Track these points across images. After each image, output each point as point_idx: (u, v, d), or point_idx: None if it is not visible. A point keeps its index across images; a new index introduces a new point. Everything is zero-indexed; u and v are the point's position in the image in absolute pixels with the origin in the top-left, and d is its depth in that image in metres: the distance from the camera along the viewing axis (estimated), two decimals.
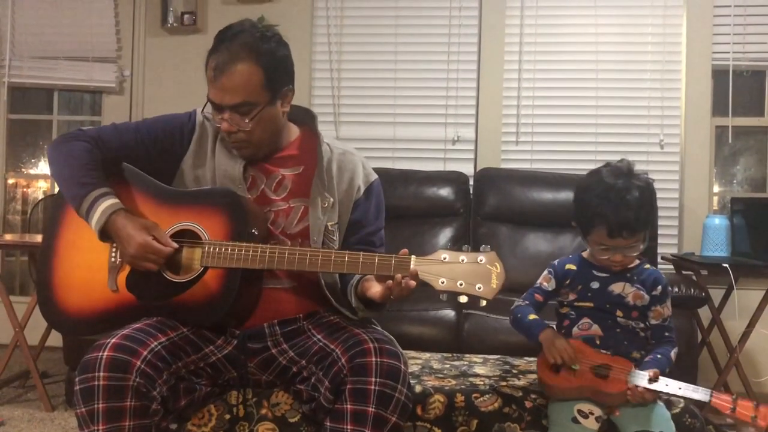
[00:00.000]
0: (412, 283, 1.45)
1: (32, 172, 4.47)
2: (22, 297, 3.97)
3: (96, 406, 1.40)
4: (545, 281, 1.81)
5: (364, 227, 1.77)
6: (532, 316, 1.75)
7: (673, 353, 1.71)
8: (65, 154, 1.67)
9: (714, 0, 3.61)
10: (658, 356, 1.70)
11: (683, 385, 1.61)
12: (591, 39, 3.69)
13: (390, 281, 1.47)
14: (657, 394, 1.64)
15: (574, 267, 1.79)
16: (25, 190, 4.52)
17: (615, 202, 1.65)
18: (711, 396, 1.59)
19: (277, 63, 1.67)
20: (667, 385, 1.61)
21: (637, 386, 1.61)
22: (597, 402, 1.66)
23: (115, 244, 1.63)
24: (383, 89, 3.83)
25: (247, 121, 1.64)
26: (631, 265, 1.77)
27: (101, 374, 1.40)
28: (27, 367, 3.04)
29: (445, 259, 1.44)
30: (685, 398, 1.62)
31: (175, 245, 1.59)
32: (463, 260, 1.43)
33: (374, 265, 1.49)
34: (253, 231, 1.60)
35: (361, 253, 1.51)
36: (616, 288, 1.75)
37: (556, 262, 1.83)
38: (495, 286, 1.42)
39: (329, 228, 1.71)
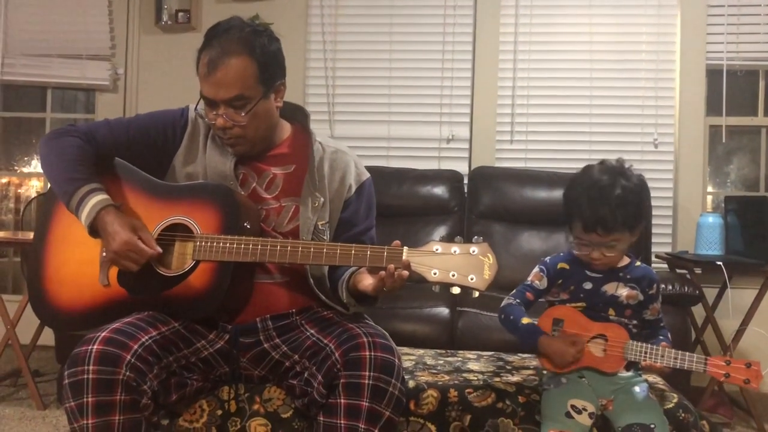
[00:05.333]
0: (405, 273, 1.43)
1: (25, 170, 4.45)
2: (14, 296, 3.95)
3: (85, 399, 1.39)
4: (537, 279, 1.78)
5: (355, 226, 1.76)
6: (525, 320, 1.71)
7: (669, 335, 1.77)
8: (56, 149, 1.66)
9: (708, 0, 3.62)
10: (660, 337, 1.75)
11: (679, 354, 1.65)
12: (585, 38, 3.70)
13: (382, 272, 1.46)
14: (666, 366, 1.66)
15: (567, 266, 1.77)
16: (18, 188, 4.50)
17: (594, 197, 1.65)
18: (706, 364, 1.63)
19: (270, 56, 1.66)
20: (662, 356, 1.65)
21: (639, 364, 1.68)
22: (590, 398, 1.66)
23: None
24: (378, 87, 3.83)
25: (243, 114, 1.64)
26: (621, 264, 1.75)
27: (91, 368, 1.39)
28: (18, 365, 3.02)
29: (437, 250, 1.43)
30: (682, 369, 1.65)
31: (159, 249, 1.57)
32: (455, 251, 1.42)
33: (366, 257, 1.48)
34: (245, 225, 1.59)
35: (354, 245, 1.50)
36: (610, 288, 1.74)
37: (548, 259, 1.80)
38: (487, 277, 1.40)
39: (319, 227, 1.70)
